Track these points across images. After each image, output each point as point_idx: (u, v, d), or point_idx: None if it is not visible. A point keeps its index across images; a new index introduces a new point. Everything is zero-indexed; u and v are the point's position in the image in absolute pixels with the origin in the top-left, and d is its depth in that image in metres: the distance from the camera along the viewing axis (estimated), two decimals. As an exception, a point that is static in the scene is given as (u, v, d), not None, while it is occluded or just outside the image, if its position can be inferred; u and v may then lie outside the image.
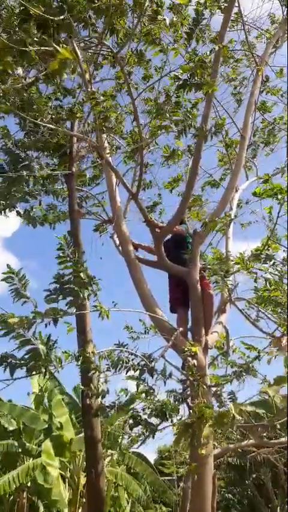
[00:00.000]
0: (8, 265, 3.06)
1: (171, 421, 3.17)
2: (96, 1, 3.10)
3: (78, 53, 2.99)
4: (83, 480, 9.98)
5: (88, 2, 3.09)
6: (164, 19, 3.41)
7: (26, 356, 2.96)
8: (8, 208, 5.94)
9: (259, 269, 3.82)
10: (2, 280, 3.07)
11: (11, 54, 2.89)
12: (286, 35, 5.36)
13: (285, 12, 5.13)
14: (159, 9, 3.47)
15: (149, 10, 3.55)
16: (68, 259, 3.17)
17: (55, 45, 2.63)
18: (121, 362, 3.71)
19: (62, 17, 3.15)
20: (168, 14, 3.92)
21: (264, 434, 4.67)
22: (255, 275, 3.72)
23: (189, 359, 3.56)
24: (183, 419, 3.01)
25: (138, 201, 4.69)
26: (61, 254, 3.21)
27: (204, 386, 3.38)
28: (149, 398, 3.31)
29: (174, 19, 3.54)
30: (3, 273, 3.06)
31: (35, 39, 2.87)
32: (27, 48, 2.80)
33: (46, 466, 8.85)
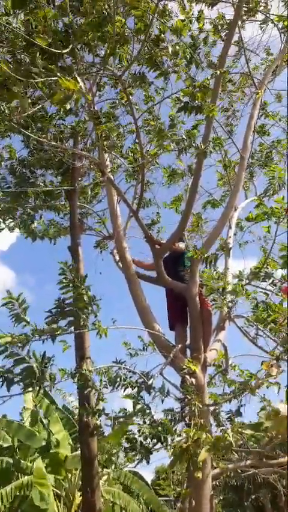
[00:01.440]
0: (8, 291, 3.10)
1: (166, 444, 3.14)
2: (100, 29, 3.21)
3: (79, 80, 3.07)
4: (78, 499, 9.78)
5: (94, 31, 3.19)
6: (167, 47, 3.53)
7: (20, 373, 2.96)
8: (9, 221, 6.01)
9: (261, 290, 3.85)
10: (2, 305, 3.10)
11: (17, 84, 2.96)
12: (285, 62, 5.54)
13: (284, 40, 5.31)
14: (162, 35, 3.59)
15: (152, 35, 3.67)
16: (71, 284, 3.21)
17: (60, 76, 2.70)
18: (119, 379, 3.70)
19: (68, 47, 3.24)
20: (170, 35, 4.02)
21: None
22: (255, 300, 3.74)
23: (188, 377, 3.55)
24: (178, 441, 2.99)
25: (138, 217, 4.75)
26: (63, 280, 3.25)
27: (201, 406, 3.36)
28: (145, 418, 3.28)
29: (177, 48, 3.66)
30: (3, 298, 3.10)
31: (40, 68, 2.96)
32: (33, 80, 2.86)
33: (38, 486, 8.68)
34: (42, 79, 2.88)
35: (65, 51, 3.14)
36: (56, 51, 3.06)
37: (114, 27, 3.13)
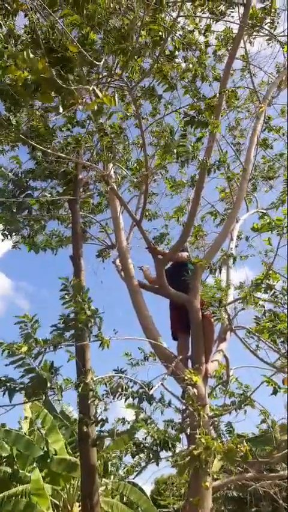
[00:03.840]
0: (25, 315, 3.11)
1: (174, 451, 3.14)
2: (122, 42, 3.26)
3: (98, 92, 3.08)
4: (75, 510, 9.68)
5: (113, 44, 3.24)
6: (180, 64, 3.60)
7: (29, 382, 2.98)
8: (12, 233, 6.04)
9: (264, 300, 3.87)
10: (15, 324, 3.12)
11: (54, 87, 2.94)
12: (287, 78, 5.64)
13: (285, 56, 5.41)
14: (176, 52, 3.66)
15: (166, 50, 3.73)
16: (73, 300, 3.24)
17: (96, 89, 2.71)
18: (120, 389, 3.70)
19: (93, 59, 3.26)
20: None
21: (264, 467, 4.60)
22: (263, 308, 3.76)
23: (190, 387, 3.55)
24: (186, 449, 2.99)
25: (141, 227, 4.79)
26: (66, 296, 3.28)
27: (206, 416, 3.36)
28: (149, 426, 3.29)
29: (190, 66, 3.73)
30: (16, 316, 3.13)
31: (75, 76, 2.97)
32: (71, 87, 2.83)
33: (36, 496, 8.60)
34: (76, 87, 2.89)
35: (100, 63, 3.18)
36: (95, 62, 3.08)
37: (133, 41, 3.18)
